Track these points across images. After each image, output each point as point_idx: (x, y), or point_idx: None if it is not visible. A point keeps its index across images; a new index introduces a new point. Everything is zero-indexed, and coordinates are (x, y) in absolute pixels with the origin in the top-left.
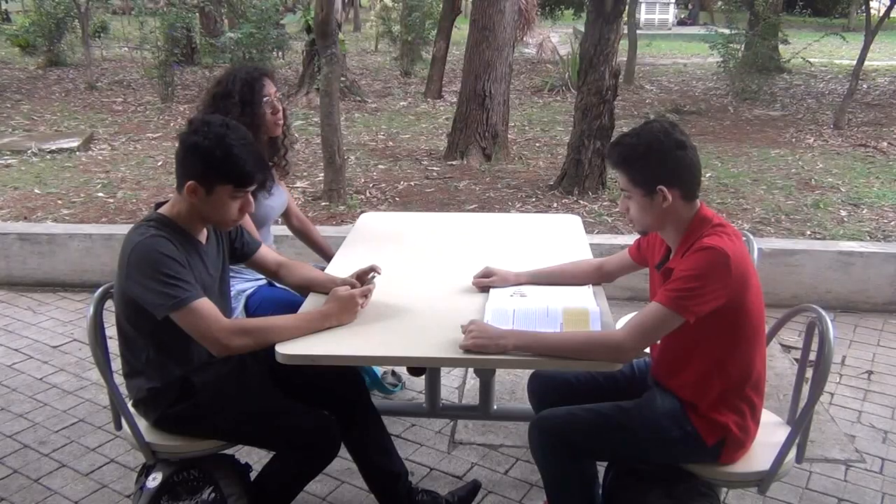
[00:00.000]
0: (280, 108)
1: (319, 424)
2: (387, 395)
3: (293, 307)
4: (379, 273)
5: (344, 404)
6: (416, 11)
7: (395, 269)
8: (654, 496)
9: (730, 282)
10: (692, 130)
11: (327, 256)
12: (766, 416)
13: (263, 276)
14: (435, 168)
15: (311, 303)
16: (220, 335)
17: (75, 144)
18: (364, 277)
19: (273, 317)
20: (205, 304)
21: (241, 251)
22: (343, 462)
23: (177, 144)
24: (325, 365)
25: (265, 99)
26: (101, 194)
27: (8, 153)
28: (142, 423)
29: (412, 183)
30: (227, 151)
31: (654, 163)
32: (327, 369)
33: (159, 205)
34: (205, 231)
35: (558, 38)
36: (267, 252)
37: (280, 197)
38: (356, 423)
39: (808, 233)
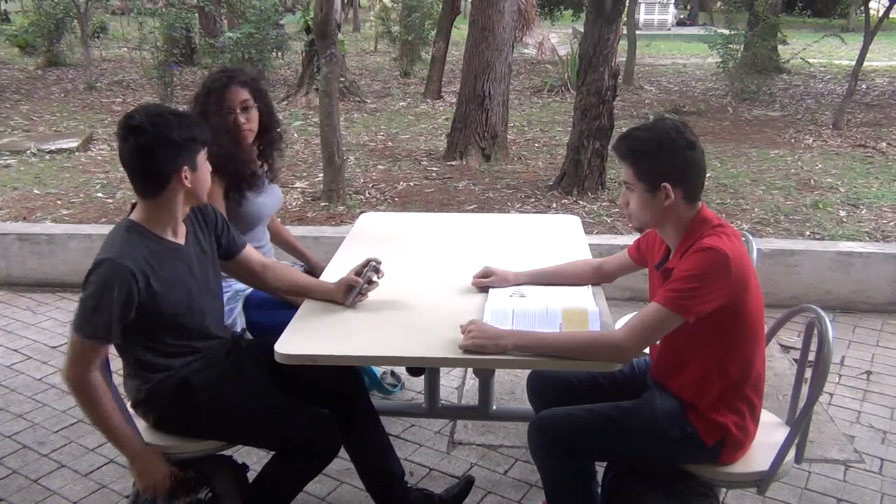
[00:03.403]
0: (244, 119)
1: (319, 424)
2: (386, 395)
3: (292, 308)
4: (378, 264)
5: (343, 404)
6: (415, 12)
7: (394, 269)
8: (654, 496)
9: (729, 282)
10: None
11: (301, 255)
12: (766, 417)
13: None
14: (434, 168)
15: (307, 310)
16: (70, 372)
17: (74, 145)
18: (361, 272)
19: (110, 400)
20: (88, 347)
21: (226, 248)
22: (343, 462)
23: (127, 161)
24: (325, 365)
25: (226, 111)
26: (100, 194)
27: (7, 153)
28: (141, 424)
29: (411, 183)
30: (177, 125)
31: (663, 158)
32: (327, 369)
33: (134, 205)
34: (183, 229)
35: (558, 38)
36: (252, 252)
37: (273, 195)
38: (355, 423)
39: (808, 233)
